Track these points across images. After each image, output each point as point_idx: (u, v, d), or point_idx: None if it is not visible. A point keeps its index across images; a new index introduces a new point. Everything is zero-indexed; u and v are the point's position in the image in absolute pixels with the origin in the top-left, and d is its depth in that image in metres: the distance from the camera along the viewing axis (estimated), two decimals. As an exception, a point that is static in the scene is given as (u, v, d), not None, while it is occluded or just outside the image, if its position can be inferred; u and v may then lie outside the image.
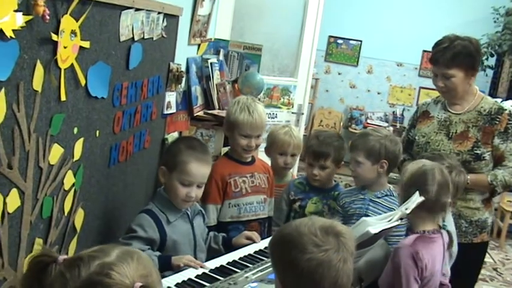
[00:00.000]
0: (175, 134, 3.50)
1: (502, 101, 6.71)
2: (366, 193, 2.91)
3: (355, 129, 8.74)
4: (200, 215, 2.68)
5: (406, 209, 2.18)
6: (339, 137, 3.27)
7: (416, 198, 2.26)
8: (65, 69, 1.91)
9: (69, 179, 2.09)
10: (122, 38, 2.39)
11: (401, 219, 2.17)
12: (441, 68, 3.05)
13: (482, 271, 5.49)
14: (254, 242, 2.66)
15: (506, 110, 3.10)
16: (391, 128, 8.64)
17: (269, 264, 2.30)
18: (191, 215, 2.58)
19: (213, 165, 2.67)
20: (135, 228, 2.39)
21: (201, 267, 2.32)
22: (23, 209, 1.80)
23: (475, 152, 3.05)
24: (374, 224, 2.03)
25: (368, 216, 2.72)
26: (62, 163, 2.02)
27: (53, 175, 1.97)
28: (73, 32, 1.92)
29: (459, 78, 3.03)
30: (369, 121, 8.92)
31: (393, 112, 9.03)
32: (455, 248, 2.65)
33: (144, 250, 2.31)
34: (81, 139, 2.16)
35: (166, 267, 2.30)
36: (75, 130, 2.10)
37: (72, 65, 1.96)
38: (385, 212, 2.70)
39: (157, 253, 2.36)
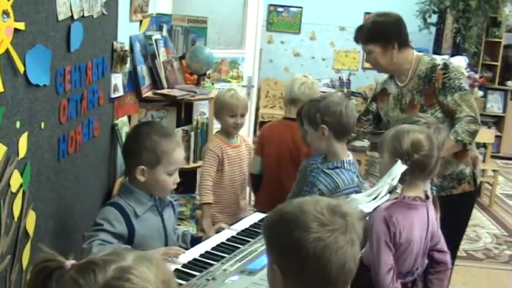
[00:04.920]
0: (125, 119, 3.27)
1: (449, 58, 6.70)
2: (322, 163, 2.70)
3: (302, 97, 8.60)
4: (170, 206, 2.48)
5: (393, 179, 2.03)
6: None
7: (400, 167, 2.11)
8: (-1, 56, 1.67)
9: (15, 180, 1.86)
10: (60, 17, 2.15)
11: (390, 192, 2.02)
12: (362, 45, 3.16)
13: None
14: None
15: (438, 65, 3.08)
16: (339, 94, 8.54)
17: (246, 252, 2.13)
18: (160, 207, 2.38)
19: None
20: (101, 222, 2.19)
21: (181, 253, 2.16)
22: (-34, 219, 1.57)
23: None
24: (363, 201, 1.87)
25: (316, 186, 2.58)
26: (6, 163, 1.78)
27: (-3, 177, 1.74)
28: (5, 13, 1.68)
29: (378, 53, 3.09)
30: (315, 88, 8.80)
31: (339, 77, 8.93)
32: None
33: (112, 243, 2.13)
34: (25, 133, 1.92)
35: None
36: (18, 124, 1.85)
37: (7, 50, 1.72)
38: (331, 186, 2.55)
39: (127, 246, 2.16)
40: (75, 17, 2.29)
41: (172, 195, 3.63)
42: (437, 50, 8.08)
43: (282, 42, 9.13)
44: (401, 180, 2.25)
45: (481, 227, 5.80)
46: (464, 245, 5.22)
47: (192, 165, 3.73)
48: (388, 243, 2.21)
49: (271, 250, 1.46)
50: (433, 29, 7.99)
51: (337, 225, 1.38)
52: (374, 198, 1.94)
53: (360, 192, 2.48)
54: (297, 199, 1.49)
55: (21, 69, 1.82)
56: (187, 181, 3.89)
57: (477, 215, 6.07)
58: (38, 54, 1.96)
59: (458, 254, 4.95)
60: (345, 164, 2.62)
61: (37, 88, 1.99)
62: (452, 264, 3.36)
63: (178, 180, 2.35)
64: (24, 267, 2.00)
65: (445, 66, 3.05)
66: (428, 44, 8.44)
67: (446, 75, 3.02)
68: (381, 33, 3.08)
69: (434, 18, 7.84)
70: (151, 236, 2.30)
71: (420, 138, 2.26)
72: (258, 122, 8.27)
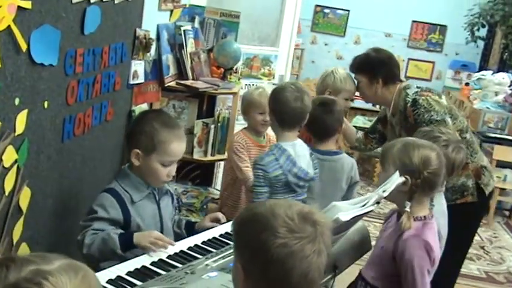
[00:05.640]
0: (144, 106, 3.29)
1: (493, 74, 6.53)
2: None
3: (341, 101, 8.53)
4: (168, 195, 2.48)
5: (384, 191, 1.97)
6: None
7: (396, 179, 2.05)
8: (-1, 32, 1.70)
9: (9, 155, 1.89)
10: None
11: (377, 203, 1.97)
12: (353, 73, 3.35)
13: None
14: (219, 223, 2.47)
15: (408, 103, 3.10)
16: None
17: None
18: (158, 196, 2.38)
19: None
20: (96, 209, 2.21)
21: (171, 244, 2.15)
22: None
23: None
24: (345, 209, 1.83)
25: None
26: (-1, 137, 1.81)
27: (-12, 151, 1.76)
28: (8, -10, 1.70)
29: (364, 83, 3.25)
30: (355, 93, 8.73)
31: (381, 84, 8.83)
32: (444, 231, 2.48)
33: (106, 230, 2.15)
34: (25, 111, 1.94)
35: (129, 246, 2.11)
36: (17, 101, 1.88)
37: (9, 27, 1.74)
38: (264, 170, 2.71)
39: (119, 231, 2.17)
40: (92, 0, 2.31)
41: (186, 187, 3.67)
42: (483, 65, 7.91)
43: (325, 44, 9.07)
44: (410, 197, 2.20)
45: (507, 249, 5.62)
46: (485, 267, 5.10)
47: (209, 158, 3.72)
48: (430, 270, 2.17)
49: (238, 249, 1.44)
50: (480, 43, 7.80)
51: (305, 233, 1.34)
52: (361, 207, 1.89)
53: (264, 170, 2.69)
54: (271, 200, 1.47)
55: (24, 47, 1.84)
56: (204, 174, 3.91)
57: (505, 237, 5.91)
58: (45, 34, 1.98)
59: (478, 274, 4.88)
60: (274, 148, 2.79)
61: (42, 67, 2.01)
62: (455, 278, 3.33)
63: (173, 173, 2.34)
64: (14, 242, 2.03)
65: (414, 102, 3.06)
66: (475, 58, 8.27)
67: (415, 111, 3.05)
68: (369, 67, 3.24)
69: (482, 32, 7.66)
70: (147, 224, 2.30)
71: (431, 156, 2.20)
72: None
